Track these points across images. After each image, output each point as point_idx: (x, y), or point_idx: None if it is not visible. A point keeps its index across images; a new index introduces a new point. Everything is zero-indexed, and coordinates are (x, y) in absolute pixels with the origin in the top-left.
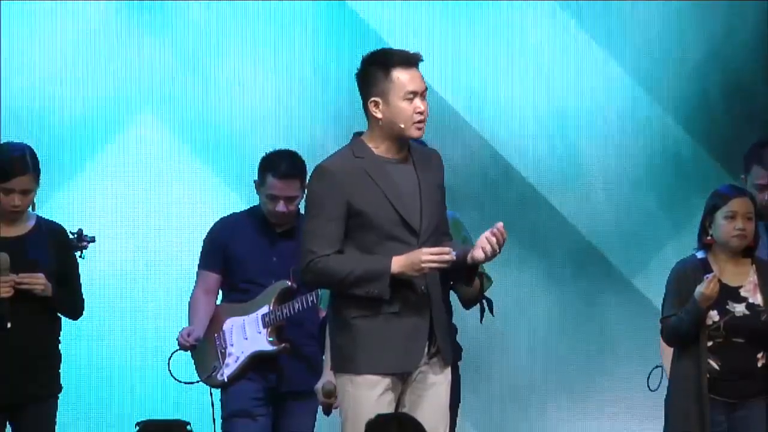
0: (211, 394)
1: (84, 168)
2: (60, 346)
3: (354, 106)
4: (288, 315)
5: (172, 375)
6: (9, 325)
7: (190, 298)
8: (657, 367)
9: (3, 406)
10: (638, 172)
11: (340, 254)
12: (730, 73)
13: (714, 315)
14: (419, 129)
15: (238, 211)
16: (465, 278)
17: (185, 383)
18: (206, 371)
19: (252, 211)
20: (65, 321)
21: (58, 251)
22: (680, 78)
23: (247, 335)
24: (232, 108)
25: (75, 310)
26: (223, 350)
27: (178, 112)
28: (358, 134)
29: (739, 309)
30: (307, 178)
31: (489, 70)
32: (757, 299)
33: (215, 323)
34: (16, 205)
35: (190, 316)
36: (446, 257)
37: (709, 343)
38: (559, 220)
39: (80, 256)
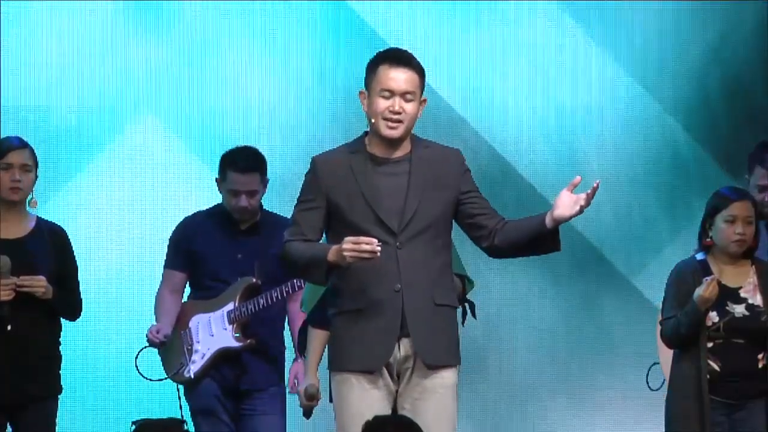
0: (178, 390)
1: (84, 168)
2: (60, 347)
3: (353, 105)
4: (253, 311)
5: (139, 372)
6: (9, 327)
7: (156, 296)
8: (655, 363)
9: (4, 407)
10: (638, 172)
11: (305, 241)
12: (730, 73)
13: (714, 316)
14: (390, 128)
15: (202, 209)
16: (551, 245)
17: (152, 380)
18: (173, 368)
19: (215, 210)
20: (65, 322)
21: (58, 253)
22: (680, 78)
23: (213, 332)
24: (232, 108)
25: (74, 312)
26: (189, 347)
27: (178, 112)
28: (367, 132)
29: (739, 310)
30: (267, 172)
31: (488, 70)
32: (757, 300)
33: (181, 320)
34: (17, 179)
35: (157, 314)
36: (365, 247)
37: (710, 344)
38: None
39: None
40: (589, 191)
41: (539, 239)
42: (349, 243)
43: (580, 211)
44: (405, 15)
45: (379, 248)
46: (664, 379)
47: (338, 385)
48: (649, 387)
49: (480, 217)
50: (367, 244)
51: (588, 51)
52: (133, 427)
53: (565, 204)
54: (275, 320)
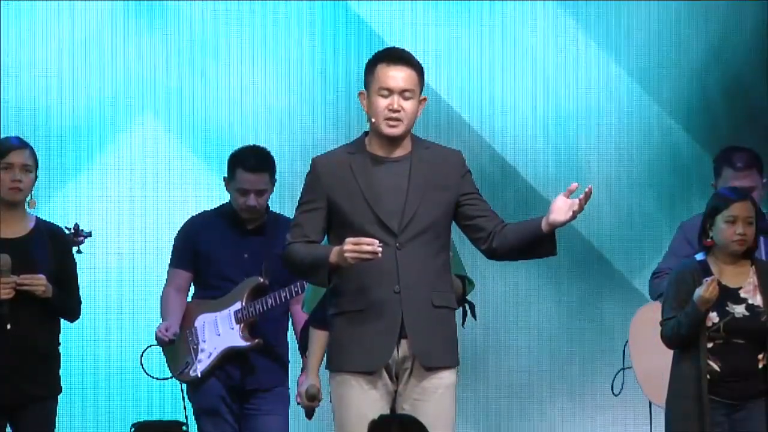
0: (182, 389)
1: (84, 168)
2: (60, 347)
3: (354, 105)
4: (261, 311)
5: (144, 370)
6: (9, 326)
7: (162, 295)
8: (621, 370)
9: (3, 407)
10: (638, 172)
11: (308, 243)
12: (730, 73)
13: (714, 316)
14: (391, 126)
15: (208, 209)
16: (547, 248)
17: (157, 379)
18: (179, 367)
19: (222, 209)
20: (65, 321)
21: (57, 253)
22: (680, 78)
23: (219, 331)
24: (232, 108)
25: (73, 312)
26: (195, 346)
27: (178, 112)
28: (367, 132)
29: (739, 310)
30: (276, 172)
31: (488, 70)
32: (757, 300)
33: (186, 320)
34: (18, 179)
35: (163, 313)
36: (366, 248)
37: (710, 345)
38: None
39: (77, 251)
40: (581, 196)
41: (536, 243)
42: (349, 244)
43: (574, 216)
44: (405, 15)
45: (380, 249)
46: (623, 383)
47: (337, 386)
48: (613, 392)
49: (479, 219)
50: (368, 244)
51: (588, 51)
52: (133, 429)
53: (560, 209)
54: (279, 320)
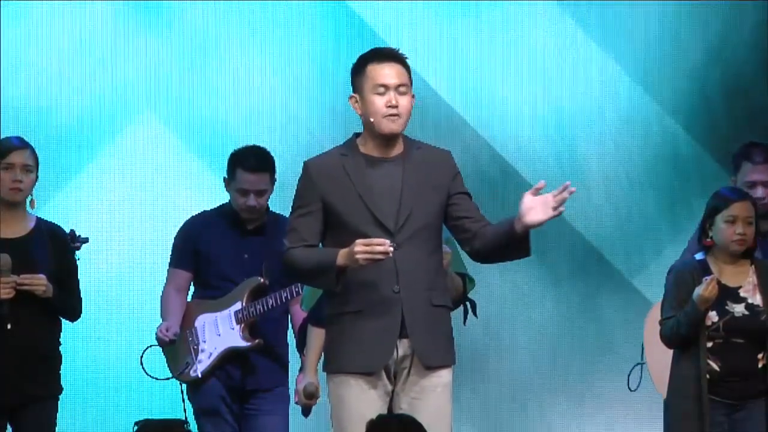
0: (182, 389)
1: (84, 168)
2: (60, 347)
3: None
4: (261, 311)
5: (144, 371)
6: (9, 326)
7: (162, 295)
8: (637, 365)
9: (4, 407)
10: (638, 172)
11: (308, 248)
12: (730, 73)
13: (713, 316)
14: (392, 122)
15: (208, 209)
16: (522, 250)
17: (158, 379)
18: (179, 367)
19: (222, 209)
20: (65, 322)
21: (58, 252)
22: (680, 78)
23: (219, 331)
24: (232, 108)
25: (74, 312)
26: (195, 346)
27: (178, 112)
28: (357, 134)
29: (739, 309)
30: (276, 172)
31: (488, 70)
32: (757, 299)
33: (186, 320)
34: (19, 179)
35: (164, 313)
36: (378, 248)
37: (709, 344)
38: (558, 220)
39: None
40: (557, 192)
41: (511, 244)
42: (360, 245)
43: (558, 214)
44: (405, 15)
45: (392, 249)
46: (640, 380)
47: (336, 387)
48: (629, 388)
49: (465, 220)
50: (379, 245)
51: (588, 51)
52: (136, 427)
53: (533, 209)
54: (279, 320)
